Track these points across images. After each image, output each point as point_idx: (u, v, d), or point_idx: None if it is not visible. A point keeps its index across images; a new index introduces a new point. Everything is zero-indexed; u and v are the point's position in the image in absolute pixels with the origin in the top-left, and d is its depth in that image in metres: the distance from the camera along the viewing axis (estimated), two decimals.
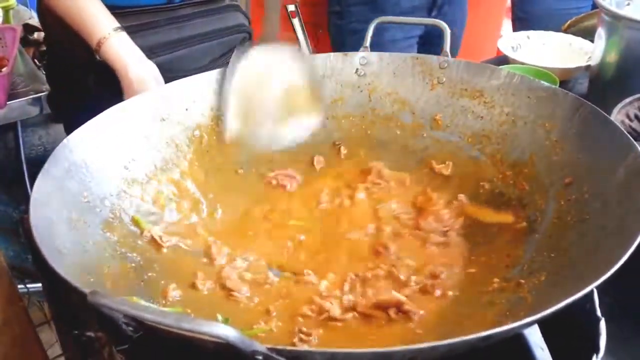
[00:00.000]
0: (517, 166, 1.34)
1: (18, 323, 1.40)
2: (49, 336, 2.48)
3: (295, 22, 2.97)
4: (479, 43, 2.59)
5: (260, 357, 0.75)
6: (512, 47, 2.17)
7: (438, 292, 1.18)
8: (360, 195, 1.42)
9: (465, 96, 1.45)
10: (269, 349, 0.76)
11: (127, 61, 1.60)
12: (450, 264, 1.25)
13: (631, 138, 1.13)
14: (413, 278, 1.21)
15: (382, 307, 1.15)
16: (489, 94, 1.42)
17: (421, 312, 1.14)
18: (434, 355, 0.82)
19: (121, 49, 1.61)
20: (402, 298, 1.15)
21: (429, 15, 2.38)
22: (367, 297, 1.18)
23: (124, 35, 1.64)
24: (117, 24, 1.64)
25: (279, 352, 0.76)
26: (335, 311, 1.15)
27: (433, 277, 1.22)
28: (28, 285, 2.58)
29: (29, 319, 1.44)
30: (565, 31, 2.28)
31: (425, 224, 1.34)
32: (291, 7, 2.98)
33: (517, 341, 1.05)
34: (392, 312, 1.14)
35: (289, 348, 0.77)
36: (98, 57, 1.64)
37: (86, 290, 0.79)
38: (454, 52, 2.45)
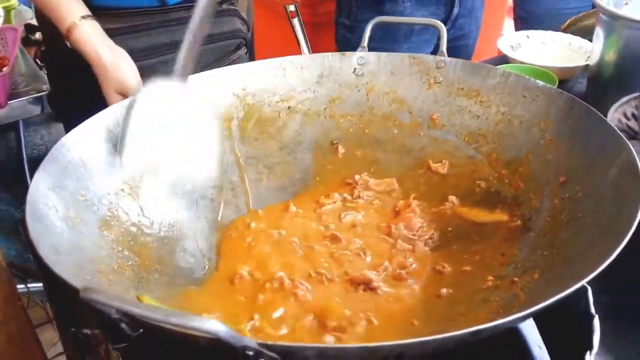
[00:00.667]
0: (513, 165, 1.34)
1: (16, 322, 1.40)
2: (51, 335, 2.50)
3: (295, 22, 2.98)
4: (480, 42, 2.58)
5: (251, 353, 0.76)
6: (512, 47, 2.18)
7: (410, 281, 1.21)
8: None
9: (462, 95, 1.46)
10: (259, 344, 0.76)
11: (99, 48, 1.59)
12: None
13: (623, 136, 1.14)
14: (386, 264, 1.25)
15: (355, 283, 1.20)
16: (485, 93, 1.43)
17: (388, 290, 1.19)
18: (424, 350, 0.82)
19: (92, 36, 1.60)
20: (372, 276, 1.20)
21: None
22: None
23: (94, 22, 1.63)
24: (87, 12, 1.64)
25: (270, 347, 0.77)
26: None
27: (402, 267, 1.25)
28: (29, 285, 2.59)
29: (28, 318, 1.44)
30: (565, 30, 2.29)
31: (396, 229, 1.35)
32: (291, 8, 2.98)
33: (515, 339, 1.06)
34: (360, 289, 1.19)
35: (279, 343, 0.78)
36: (68, 44, 1.64)
37: (79, 285, 0.80)
38: None
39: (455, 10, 2.34)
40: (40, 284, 2.57)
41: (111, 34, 1.69)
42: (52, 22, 1.72)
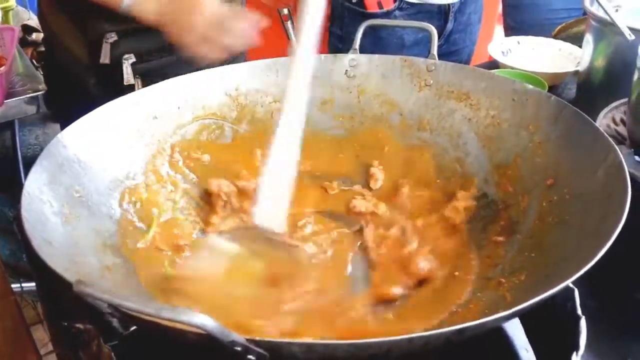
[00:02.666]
0: (502, 168, 1.36)
1: (10, 317, 1.41)
2: (42, 335, 2.50)
3: (288, 25, 2.97)
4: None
5: (239, 348, 0.77)
6: (503, 52, 2.18)
7: None
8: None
9: (452, 98, 1.46)
10: (247, 339, 0.77)
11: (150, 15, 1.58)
12: None
13: (610, 139, 1.15)
14: None
15: None
16: (474, 96, 1.44)
17: None
18: (411, 347, 0.83)
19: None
20: None
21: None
22: None
23: None
24: None
25: (257, 343, 0.78)
26: None
27: None
28: (22, 285, 2.60)
29: (21, 313, 1.45)
30: (555, 37, 2.30)
31: None
32: (284, 11, 2.98)
33: (502, 342, 1.07)
34: None
35: (267, 339, 0.79)
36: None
37: (72, 279, 0.81)
38: None
39: (449, 25, 2.34)
40: (32, 284, 2.58)
41: (114, 36, 1.70)
42: (56, 24, 1.73)
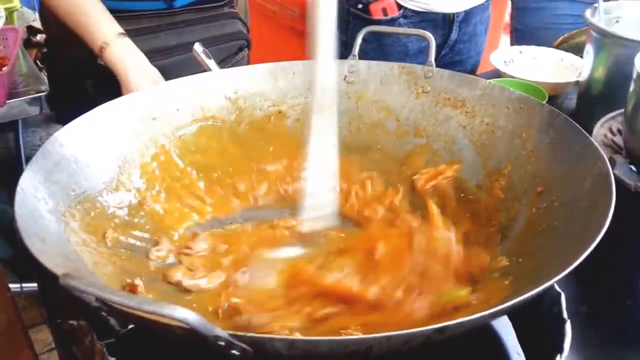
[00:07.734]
0: (494, 175, 1.37)
1: (4, 313, 1.42)
2: (45, 335, 2.51)
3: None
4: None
5: (223, 343, 0.78)
6: (505, 62, 2.18)
7: None
8: None
9: (448, 105, 1.47)
10: (230, 334, 0.78)
11: (129, 68, 1.61)
12: None
13: (599, 147, 1.16)
14: None
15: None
16: (470, 104, 1.45)
17: None
18: (390, 345, 0.84)
19: (125, 56, 1.63)
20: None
21: (437, 54, 2.29)
22: None
23: (127, 41, 1.66)
24: (121, 29, 1.66)
25: (240, 338, 0.79)
26: None
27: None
28: (23, 285, 2.61)
29: (17, 309, 1.47)
30: (558, 47, 2.31)
31: None
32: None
33: (495, 347, 1.08)
34: None
35: (249, 334, 0.80)
36: (100, 62, 1.66)
37: (59, 272, 0.82)
38: None
39: (454, 35, 2.34)
40: (36, 284, 2.59)
41: None
42: (57, 25, 1.75)
